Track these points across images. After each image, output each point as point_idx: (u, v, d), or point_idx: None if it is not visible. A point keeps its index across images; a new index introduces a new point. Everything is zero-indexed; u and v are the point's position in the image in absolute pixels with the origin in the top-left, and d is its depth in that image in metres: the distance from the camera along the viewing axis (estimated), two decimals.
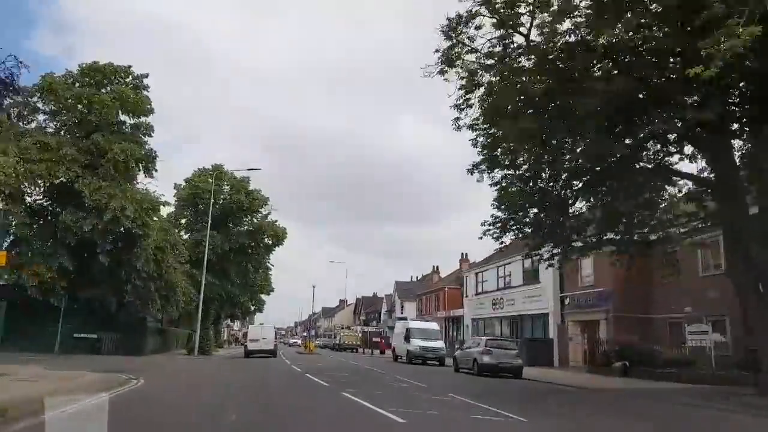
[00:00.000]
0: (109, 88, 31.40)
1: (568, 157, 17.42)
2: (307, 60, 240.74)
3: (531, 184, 18.41)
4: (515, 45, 16.43)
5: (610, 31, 12.69)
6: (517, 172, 18.34)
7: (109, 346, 31.41)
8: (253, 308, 73.84)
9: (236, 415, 9.61)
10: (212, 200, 39.33)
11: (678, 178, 18.59)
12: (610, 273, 26.41)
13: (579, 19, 14.36)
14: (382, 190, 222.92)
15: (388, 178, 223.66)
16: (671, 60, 14.82)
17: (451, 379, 21.56)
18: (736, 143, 17.21)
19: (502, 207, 19.82)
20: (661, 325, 26.71)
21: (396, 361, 35.33)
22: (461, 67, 16.93)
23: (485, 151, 18.00)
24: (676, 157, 18.17)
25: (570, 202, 19.06)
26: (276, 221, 42.89)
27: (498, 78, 16.45)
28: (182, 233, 42.40)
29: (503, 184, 19.41)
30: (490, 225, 20.01)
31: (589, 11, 14.30)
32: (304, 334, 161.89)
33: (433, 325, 35.86)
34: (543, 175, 18.26)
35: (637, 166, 17.32)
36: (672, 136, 16.63)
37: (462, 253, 68.18)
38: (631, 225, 18.94)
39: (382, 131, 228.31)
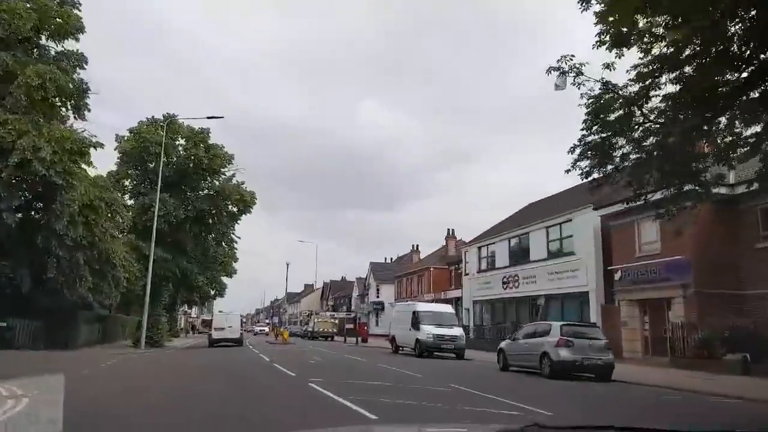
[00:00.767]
0: None
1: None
2: (265, 43, 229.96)
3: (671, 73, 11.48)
4: None
5: None
6: (656, 50, 11.35)
7: (25, 337, 23.75)
8: (213, 292, 66.40)
9: None
10: (163, 156, 31.57)
11: None
12: (684, 238, 19.90)
13: None
14: (342, 176, 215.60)
15: (349, 165, 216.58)
16: None
17: (516, 383, 14.79)
18: None
19: (599, 126, 13.00)
20: (758, 303, 20.41)
21: (397, 353, 28.43)
22: None
23: (611, 19, 11.03)
24: None
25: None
26: (243, 183, 35.34)
27: None
28: (126, 198, 34.49)
29: (608, 91, 12.54)
30: (579, 153, 13.23)
31: None
32: (267, 321, 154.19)
33: (447, 308, 28.96)
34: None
35: None
36: None
37: (448, 229, 61.92)
38: None
39: (343, 117, 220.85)
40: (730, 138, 12.79)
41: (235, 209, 35.79)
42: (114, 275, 25.78)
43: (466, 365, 22.23)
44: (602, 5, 11.18)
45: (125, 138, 33.16)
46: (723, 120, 12.52)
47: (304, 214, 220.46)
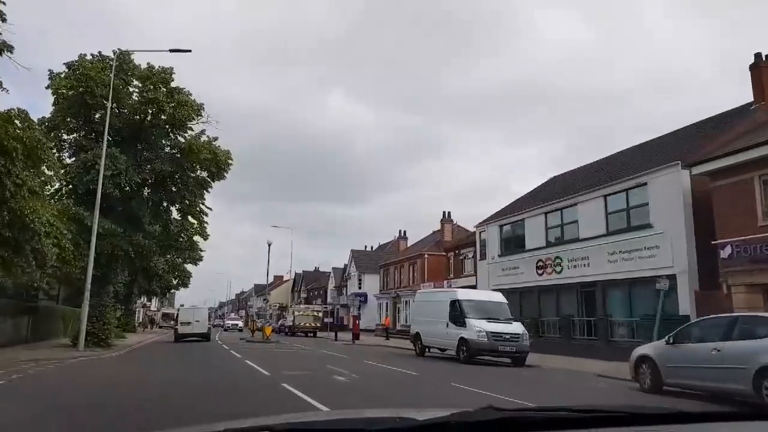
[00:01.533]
0: None
1: None
2: (229, 29, 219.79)
3: None
4: None
5: None
6: None
7: None
8: (175, 282, 58.45)
9: None
10: (112, 102, 24.16)
11: None
12: None
13: None
14: (307, 168, 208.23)
15: (315, 156, 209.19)
16: None
17: None
18: None
19: None
20: None
21: (423, 356, 21.75)
22: None
23: None
24: None
25: None
26: (215, 140, 27.89)
27: None
28: (65, 155, 26.90)
29: None
30: None
31: None
32: (238, 314, 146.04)
33: (497, 296, 21.99)
34: None
35: None
36: None
37: (444, 212, 55.34)
38: None
39: (308, 107, 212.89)
40: None
41: (205, 173, 28.40)
42: (35, 248, 18.29)
43: (560, 378, 15.72)
44: None
45: (62, 75, 25.42)
46: None
47: (262, 207, 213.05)
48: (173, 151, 27.75)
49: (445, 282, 42.83)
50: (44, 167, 19.08)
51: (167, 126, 27.52)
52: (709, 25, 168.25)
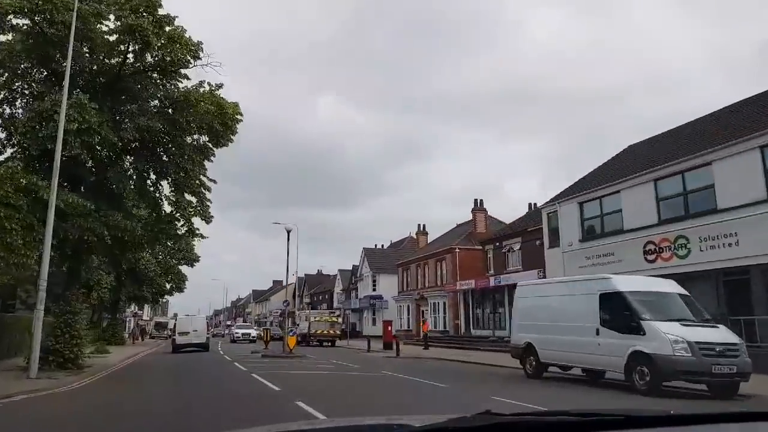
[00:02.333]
0: None
1: None
2: (219, 35, 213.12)
3: None
4: None
5: None
6: None
7: None
8: (169, 286, 51.19)
9: None
10: (75, 16, 17.25)
11: None
12: None
13: None
14: (298, 173, 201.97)
15: (305, 162, 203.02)
16: None
17: None
18: None
19: None
20: None
21: (538, 377, 14.99)
22: None
23: None
24: None
25: None
26: (219, 88, 20.81)
27: None
28: (17, 110, 19.89)
29: None
30: None
31: None
32: (228, 323, 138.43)
33: (671, 285, 14.52)
34: None
35: None
36: None
37: (476, 200, 48.47)
38: None
39: (299, 113, 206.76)
40: None
41: (205, 138, 21.41)
42: None
43: None
44: None
45: None
46: None
47: (254, 214, 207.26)
48: (163, 104, 20.71)
49: (492, 278, 35.98)
50: None
51: (155, 71, 20.52)
52: (703, 20, 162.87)
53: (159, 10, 19.50)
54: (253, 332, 52.43)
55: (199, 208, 21.15)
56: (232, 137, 21.21)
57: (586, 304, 13.76)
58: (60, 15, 17.96)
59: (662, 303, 13.00)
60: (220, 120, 20.25)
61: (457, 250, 45.07)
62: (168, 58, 19.73)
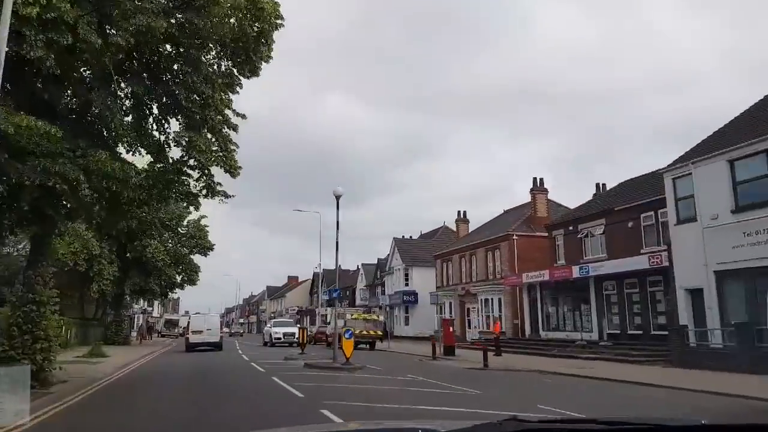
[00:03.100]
0: None
1: None
2: None
3: None
4: None
5: None
6: None
7: None
8: (180, 278, 44.83)
9: None
10: None
11: None
12: None
13: None
14: (306, 171, 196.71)
15: (314, 159, 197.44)
16: None
17: None
18: None
19: None
20: None
21: None
22: None
23: None
24: None
25: None
26: None
27: None
28: None
29: None
30: None
31: None
32: (242, 320, 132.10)
33: None
34: None
35: None
36: None
37: (534, 179, 41.68)
38: None
39: (307, 111, 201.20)
40: None
41: (228, 62, 15.00)
42: None
43: None
44: None
45: None
46: None
47: (269, 210, 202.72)
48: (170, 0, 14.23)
49: (575, 268, 29.27)
50: None
51: None
52: (713, 20, 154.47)
53: None
54: (296, 331, 38.55)
55: (220, 154, 14.65)
56: (269, 54, 14.76)
57: None
58: None
59: None
60: (252, 24, 13.81)
61: (515, 237, 38.44)
62: None
